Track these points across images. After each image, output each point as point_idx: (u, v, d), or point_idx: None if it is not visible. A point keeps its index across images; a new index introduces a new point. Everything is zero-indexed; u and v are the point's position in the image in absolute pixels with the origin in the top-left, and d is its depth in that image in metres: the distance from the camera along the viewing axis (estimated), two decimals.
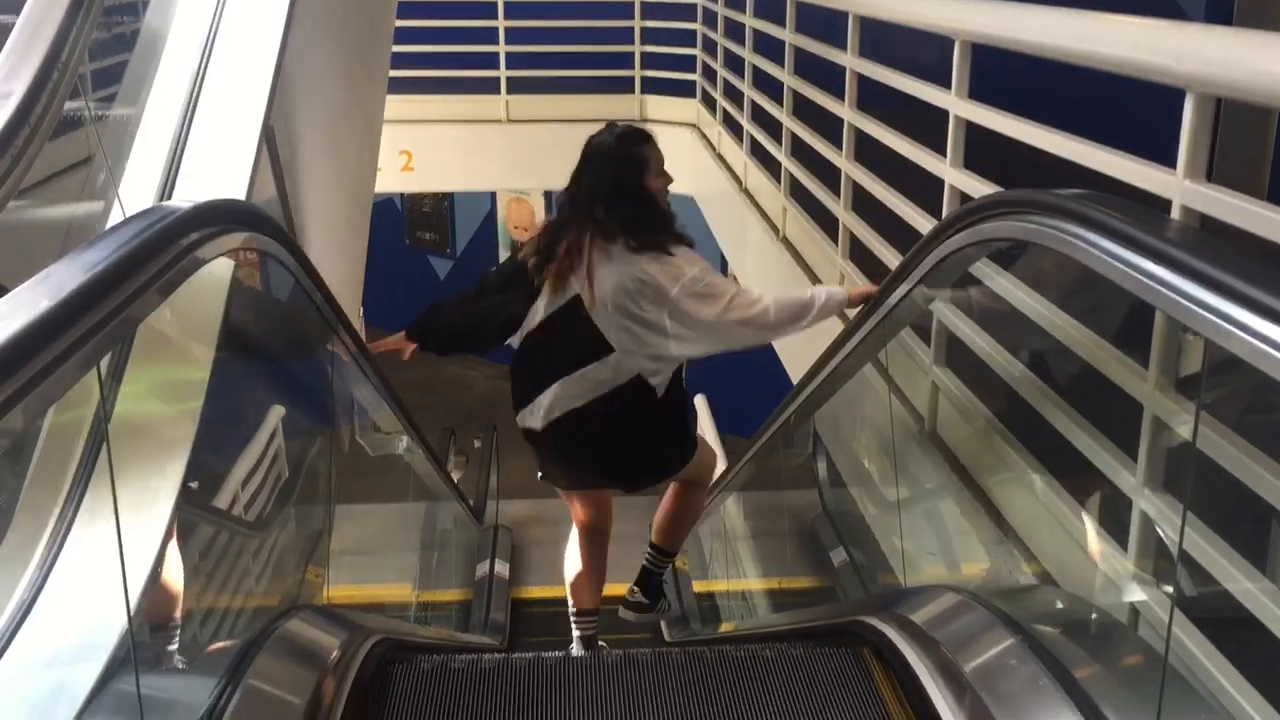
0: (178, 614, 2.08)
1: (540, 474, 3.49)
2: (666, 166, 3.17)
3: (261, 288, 3.09)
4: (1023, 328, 2.47)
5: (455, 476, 6.31)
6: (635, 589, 3.87)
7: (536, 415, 3.18)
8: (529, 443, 3.32)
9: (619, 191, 3.01)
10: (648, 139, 3.13)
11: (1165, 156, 2.06)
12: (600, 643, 3.81)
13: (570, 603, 3.83)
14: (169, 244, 1.59)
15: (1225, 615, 1.74)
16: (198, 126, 2.87)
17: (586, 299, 3.01)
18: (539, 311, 3.10)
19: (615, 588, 4.04)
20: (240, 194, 2.80)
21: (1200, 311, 1.39)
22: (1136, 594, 2.01)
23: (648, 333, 3.02)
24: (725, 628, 5.60)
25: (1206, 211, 1.93)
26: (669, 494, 3.70)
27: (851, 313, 3.28)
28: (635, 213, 3.01)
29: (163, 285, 1.53)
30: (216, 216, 1.82)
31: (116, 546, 1.52)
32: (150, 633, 1.86)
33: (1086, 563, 2.22)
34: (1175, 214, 1.98)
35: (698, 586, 6.08)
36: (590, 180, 3.04)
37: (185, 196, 2.65)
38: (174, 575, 2.03)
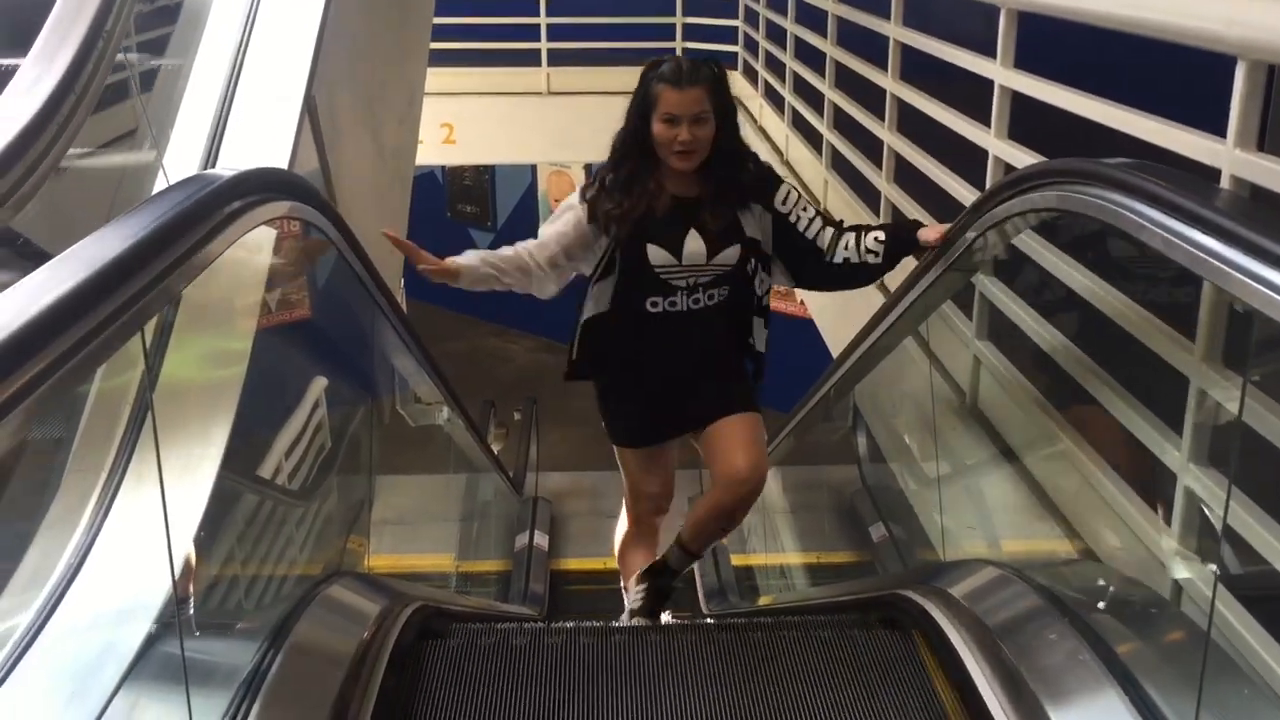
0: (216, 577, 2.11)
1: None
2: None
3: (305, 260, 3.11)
4: (1067, 300, 2.44)
5: (495, 448, 6.35)
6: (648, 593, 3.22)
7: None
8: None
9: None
10: (654, 67, 2.77)
11: (1215, 126, 2.02)
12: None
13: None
14: (211, 212, 1.60)
15: (1270, 592, 1.72)
16: (241, 97, 2.89)
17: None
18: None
19: None
20: (283, 164, 2.82)
21: (1251, 283, 1.36)
22: (1180, 570, 1.99)
23: None
24: (763, 601, 5.61)
25: (1257, 182, 1.90)
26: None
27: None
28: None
29: (204, 253, 1.54)
30: (258, 185, 1.83)
31: (161, 511, 1.54)
32: (194, 596, 1.89)
33: (1129, 538, 2.19)
34: (1225, 184, 1.95)
35: (736, 560, 6.09)
36: None
37: (228, 166, 2.67)
38: (215, 541, 2.06)
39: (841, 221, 2.96)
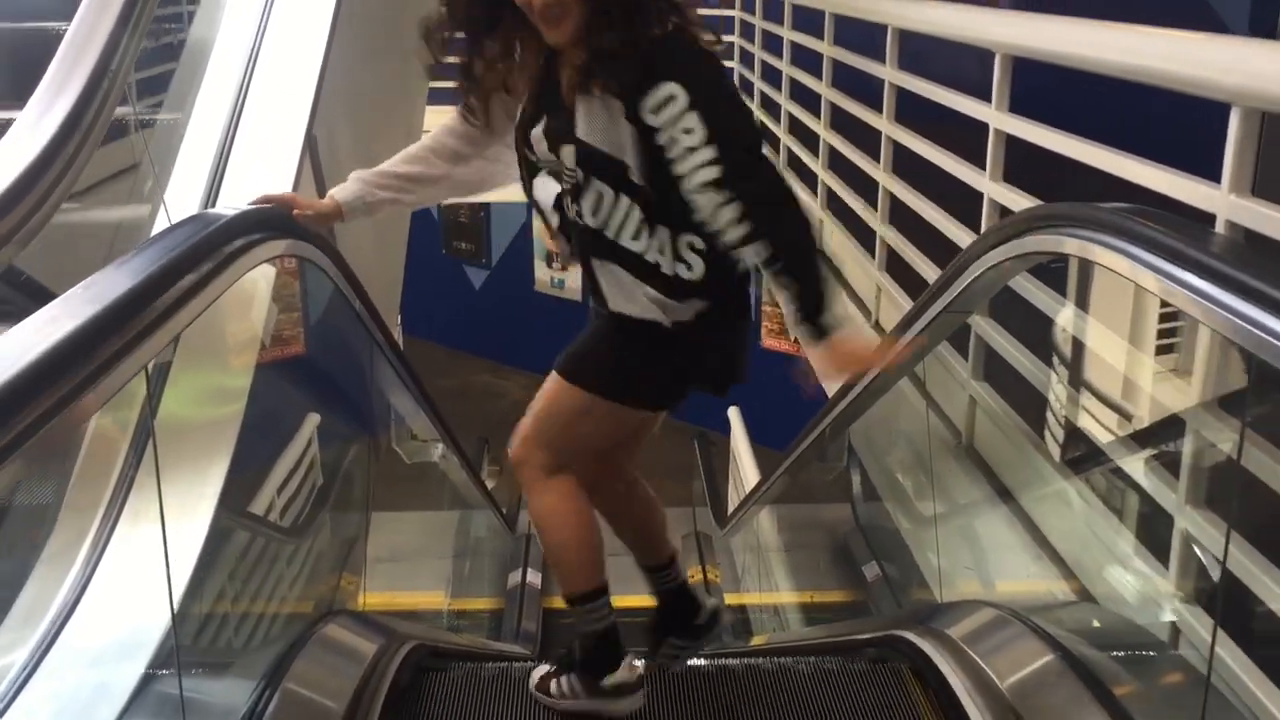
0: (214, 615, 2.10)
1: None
2: None
3: (300, 295, 3.12)
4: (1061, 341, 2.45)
5: (489, 485, 6.33)
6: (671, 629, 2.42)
7: None
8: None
9: None
10: None
11: (1208, 171, 2.05)
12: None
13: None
14: (214, 251, 1.61)
15: (1270, 634, 1.72)
16: (242, 134, 2.91)
17: None
18: None
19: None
20: None
21: (1247, 327, 1.37)
22: (1177, 612, 1.99)
23: None
24: (757, 640, 5.59)
25: (1252, 226, 1.92)
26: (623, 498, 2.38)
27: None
28: None
29: (208, 292, 1.54)
30: (260, 223, 1.85)
31: (162, 548, 1.53)
32: (192, 634, 1.88)
33: (1126, 579, 2.20)
34: (1220, 228, 1.97)
35: (730, 599, 6.06)
36: None
37: (229, 203, 2.68)
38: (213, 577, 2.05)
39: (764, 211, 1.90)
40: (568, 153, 2.01)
